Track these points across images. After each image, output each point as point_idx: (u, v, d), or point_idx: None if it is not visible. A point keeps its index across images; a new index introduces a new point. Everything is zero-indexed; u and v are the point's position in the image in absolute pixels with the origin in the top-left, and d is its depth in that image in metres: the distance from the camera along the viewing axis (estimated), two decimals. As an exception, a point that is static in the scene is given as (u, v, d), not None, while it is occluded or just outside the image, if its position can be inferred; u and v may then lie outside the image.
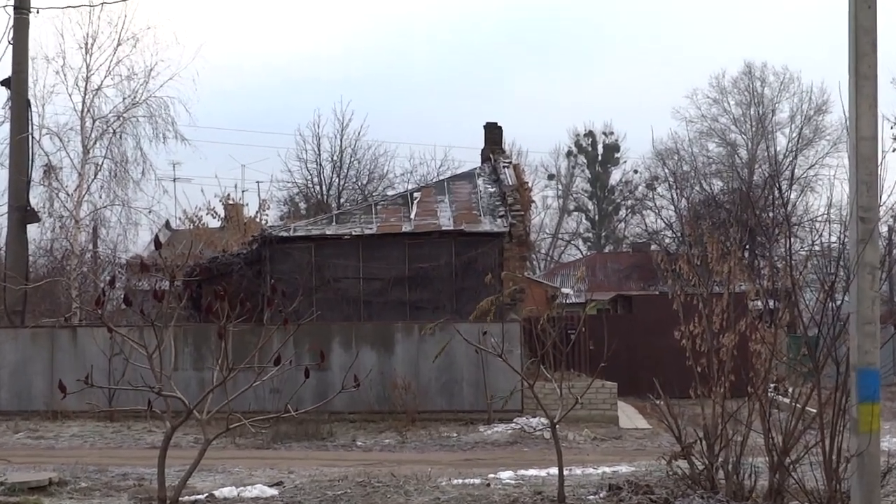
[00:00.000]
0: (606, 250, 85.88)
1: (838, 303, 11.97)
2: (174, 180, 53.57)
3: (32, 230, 36.78)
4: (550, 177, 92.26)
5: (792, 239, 40.20)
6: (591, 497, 13.77)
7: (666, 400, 13.77)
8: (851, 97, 10.76)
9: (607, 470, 17.51)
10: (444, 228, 31.74)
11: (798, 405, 12.52)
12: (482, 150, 39.92)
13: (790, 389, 13.48)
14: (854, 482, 10.78)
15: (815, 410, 11.99)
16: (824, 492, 11.81)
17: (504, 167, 35.94)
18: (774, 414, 13.04)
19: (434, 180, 45.45)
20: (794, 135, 63.46)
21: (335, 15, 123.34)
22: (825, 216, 38.55)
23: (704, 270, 14.48)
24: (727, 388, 13.49)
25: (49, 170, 38.27)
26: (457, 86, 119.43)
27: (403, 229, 31.99)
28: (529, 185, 41.50)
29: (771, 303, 14.21)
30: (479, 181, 35.95)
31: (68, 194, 38.82)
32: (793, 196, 59.63)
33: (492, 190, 34.81)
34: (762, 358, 13.39)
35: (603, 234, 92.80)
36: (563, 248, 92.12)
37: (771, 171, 59.10)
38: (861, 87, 10.71)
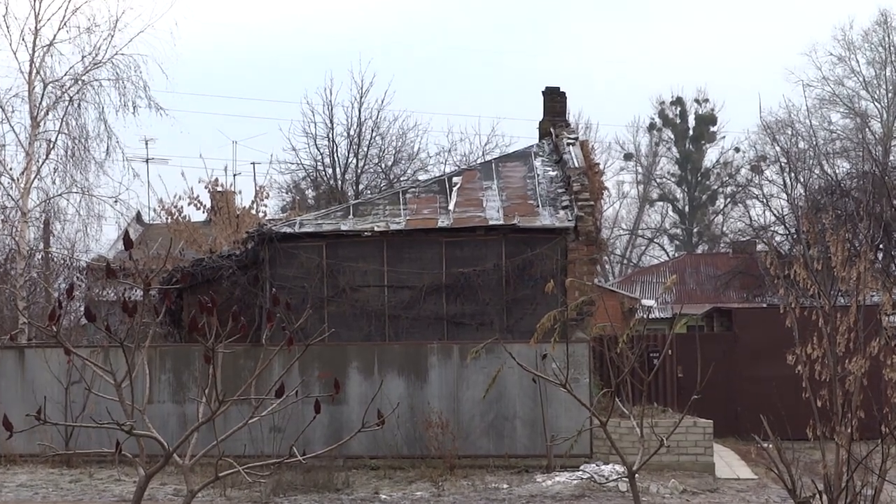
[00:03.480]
0: (699, 251, 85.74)
1: None
2: (147, 161, 53.95)
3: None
4: (627, 157, 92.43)
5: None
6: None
7: (776, 442, 13.77)
8: None
9: (700, 532, 17.54)
10: (491, 223, 31.71)
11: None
12: (540, 123, 39.87)
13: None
14: None
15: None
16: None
17: (568, 144, 35.88)
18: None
19: (479, 161, 45.52)
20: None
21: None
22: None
23: (826, 277, 14.44)
24: (855, 428, 13.46)
25: (-13, 148, 38.45)
26: (505, 42, 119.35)
27: (440, 224, 32.00)
28: (601, 167, 41.52)
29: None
30: (537, 162, 35.95)
31: (13, 179, 38.99)
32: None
33: (552, 173, 34.80)
34: (899, 388, 13.36)
35: (695, 229, 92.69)
36: (643, 247, 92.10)
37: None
38: None
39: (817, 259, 15.09)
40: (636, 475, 14.04)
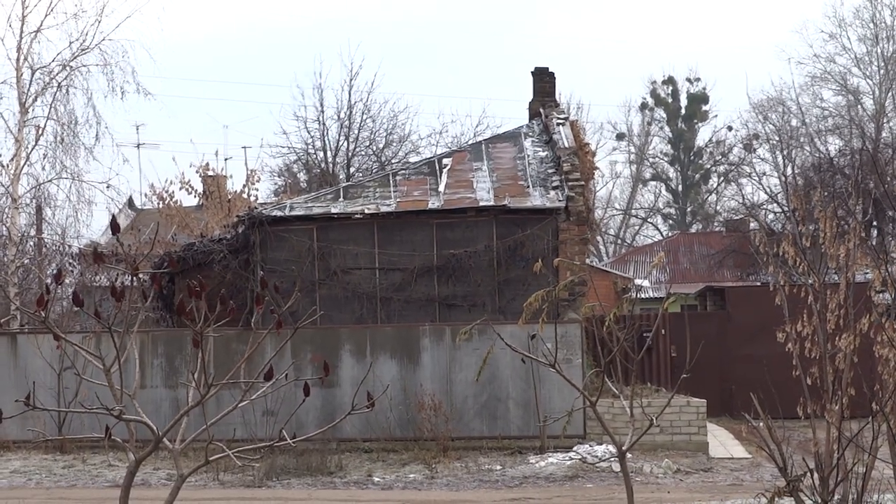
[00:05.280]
0: (693, 230, 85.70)
1: None
2: (138, 146, 53.86)
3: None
4: (620, 136, 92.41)
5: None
6: (672, 546, 13.81)
7: (767, 421, 13.73)
8: None
9: (693, 511, 17.53)
10: (482, 204, 31.74)
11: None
12: (530, 104, 39.88)
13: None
14: None
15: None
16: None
17: (558, 125, 35.87)
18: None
19: (469, 142, 45.47)
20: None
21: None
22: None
23: (816, 254, 14.41)
24: (845, 406, 13.43)
25: (-25, 135, 38.37)
26: (496, 23, 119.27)
27: (430, 206, 32.02)
28: (592, 147, 41.49)
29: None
30: (527, 143, 35.93)
31: (3, 166, 38.92)
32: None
33: (543, 154, 34.78)
34: (891, 366, 13.31)
35: (688, 209, 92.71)
36: (637, 227, 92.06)
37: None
38: None
39: (806, 236, 15.06)
40: (627, 455, 14.03)
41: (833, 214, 14.08)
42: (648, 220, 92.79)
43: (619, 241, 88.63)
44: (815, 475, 13.34)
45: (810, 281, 13.87)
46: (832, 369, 13.48)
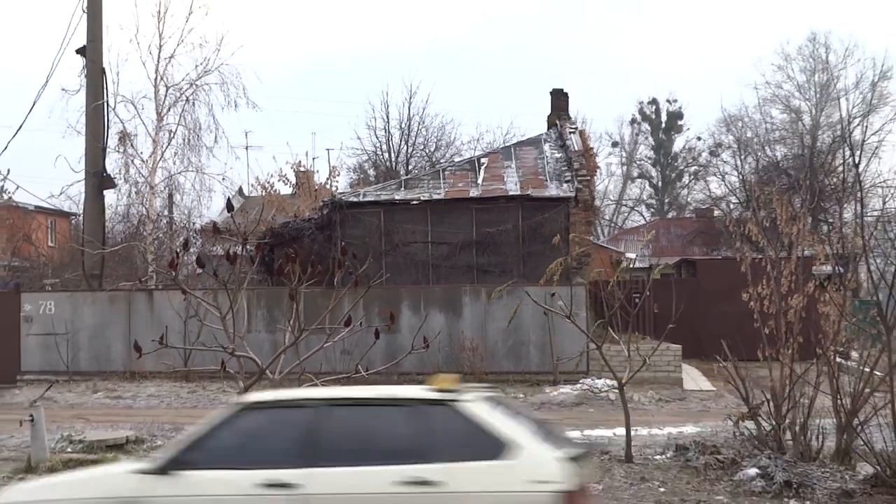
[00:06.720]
0: (669, 216, 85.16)
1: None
2: (246, 148, 53.66)
3: (109, 196, 37.03)
4: (614, 144, 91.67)
5: (861, 203, 39.33)
6: (658, 457, 13.61)
7: (734, 362, 13.53)
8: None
9: (672, 430, 17.33)
10: (510, 193, 31.48)
11: (867, 368, 12.27)
12: (548, 117, 39.62)
13: (856, 353, 13.22)
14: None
15: (881, 373, 11.76)
16: (893, 453, 11.56)
17: (570, 133, 35.61)
18: (841, 378, 12.77)
19: (501, 147, 45.17)
20: (859, 101, 62.34)
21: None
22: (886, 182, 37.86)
23: (773, 233, 14.22)
24: (795, 350, 13.24)
25: (124, 137, 38.36)
26: (522, 57, 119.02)
27: (471, 194, 31.77)
28: (594, 151, 41.15)
29: (836, 267, 13.94)
30: (546, 147, 35.64)
31: (143, 161, 39.05)
32: (851, 162, 58.66)
33: (558, 155, 34.50)
34: (830, 320, 13.12)
35: (666, 200, 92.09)
36: (626, 214, 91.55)
37: (839, 135, 57.93)
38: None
39: (765, 219, 14.86)
40: (624, 387, 13.89)
41: (789, 202, 13.87)
42: (635, 208, 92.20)
43: (613, 225, 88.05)
44: (771, 404, 13.15)
45: (770, 253, 13.68)
46: (785, 322, 13.28)
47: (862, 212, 10.29)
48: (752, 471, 12.16)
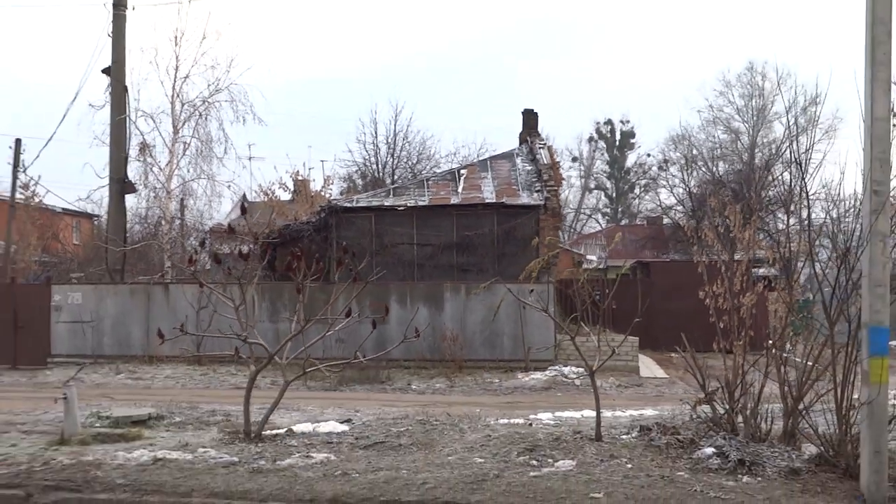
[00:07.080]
0: (623, 223, 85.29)
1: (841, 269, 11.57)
2: (250, 158, 53.64)
3: (130, 199, 37.11)
4: (574, 159, 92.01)
5: (799, 212, 39.31)
6: (625, 437, 13.42)
7: (692, 352, 13.36)
8: (868, 82, 10.30)
9: (634, 413, 17.13)
10: (487, 201, 31.36)
11: (809, 360, 12.16)
12: (520, 133, 39.50)
13: (800, 346, 13.09)
14: (864, 427, 10.44)
15: (823, 366, 11.67)
16: (835, 435, 11.45)
17: (539, 148, 35.55)
18: (787, 368, 12.64)
19: (477, 160, 45.03)
20: (791, 122, 62.51)
21: (389, 27, 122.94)
22: (817, 194, 37.71)
23: (726, 238, 14.09)
24: (746, 342, 13.11)
25: (144, 147, 38.32)
26: (491, 77, 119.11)
27: (452, 202, 31.65)
28: (559, 165, 41.04)
29: (777, 270, 13.82)
30: (518, 160, 35.56)
31: (161, 168, 38.99)
32: (786, 177, 58.66)
33: (529, 168, 34.41)
34: (777, 316, 13.00)
35: (619, 209, 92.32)
36: (584, 221, 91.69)
37: (773, 153, 58.06)
38: (877, 72, 10.25)
39: (718, 225, 14.75)
40: (585, 374, 13.80)
41: (741, 210, 13.74)
42: (592, 216, 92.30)
43: (572, 230, 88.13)
44: (725, 390, 12.99)
45: (724, 256, 13.54)
46: (737, 317, 13.14)
47: (809, 217, 10.18)
48: (709, 450, 11.99)
